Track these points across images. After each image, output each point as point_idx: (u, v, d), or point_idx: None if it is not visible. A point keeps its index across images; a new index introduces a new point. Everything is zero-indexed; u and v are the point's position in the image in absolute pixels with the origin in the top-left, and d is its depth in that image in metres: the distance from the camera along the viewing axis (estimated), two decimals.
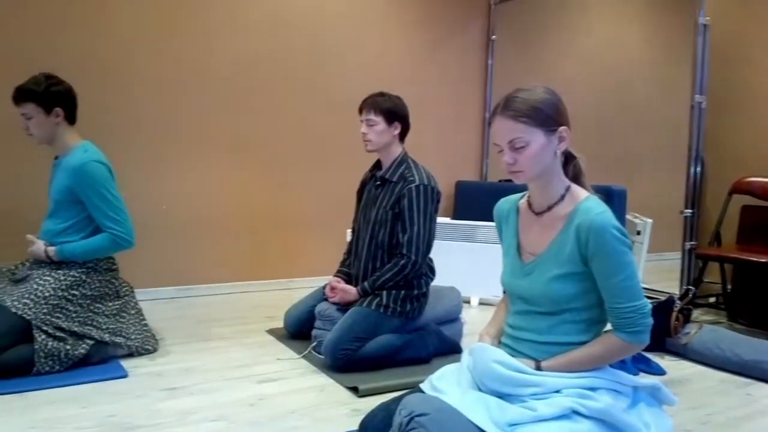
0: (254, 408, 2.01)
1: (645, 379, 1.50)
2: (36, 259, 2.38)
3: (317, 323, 2.55)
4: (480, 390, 1.44)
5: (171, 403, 2.02)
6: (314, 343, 2.51)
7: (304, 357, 2.48)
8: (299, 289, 3.60)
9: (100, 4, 3.12)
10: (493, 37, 4.52)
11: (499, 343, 1.57)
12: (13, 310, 2.16)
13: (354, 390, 2.15)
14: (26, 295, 2.21)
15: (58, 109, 2.34)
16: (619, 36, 5.16)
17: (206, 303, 3.36)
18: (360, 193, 2.71)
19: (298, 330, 2.67)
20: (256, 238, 3.68)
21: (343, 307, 2.48)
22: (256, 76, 3.59)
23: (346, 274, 2.64)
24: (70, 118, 2.41)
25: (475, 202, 4.12)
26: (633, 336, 1.39)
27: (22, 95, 2.30)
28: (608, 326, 1.45)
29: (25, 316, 2.16)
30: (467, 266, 3.53)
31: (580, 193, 1.47)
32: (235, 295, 3.56)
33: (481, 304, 3.56)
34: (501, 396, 1.41)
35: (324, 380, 2.26)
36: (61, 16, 3.03)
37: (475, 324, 2.87)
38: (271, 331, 2.83)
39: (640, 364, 2.45)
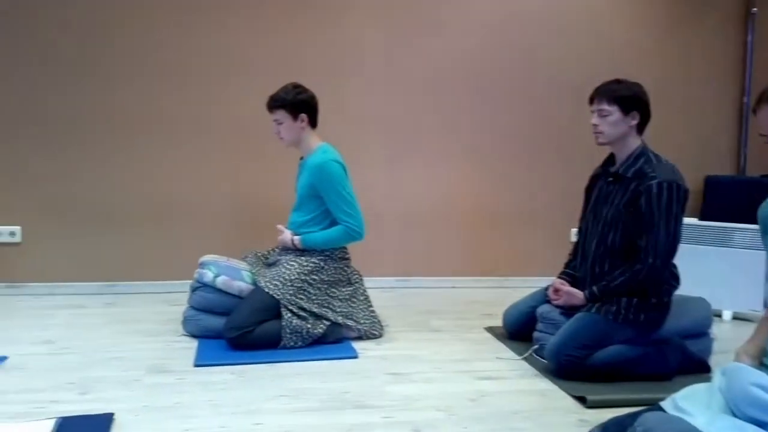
0: (476, 404, 2.00)
1: None
2: (284, 246, 2.70)
3: (539, 326, 2.45)
4: (734, 415, 1.24)
5: (397, 387, 2.12)
6: (536, 346, 2.41)
7: (525, 359, 2.40)
8: (516, 288, 3.51)
9: (336, 16, 3.41)
10: (754, 9, 3.87)
11: (760, 365, 1.34)
12: (266, 290, 2.48)
13: (581, 400, 2.01)
14: (276, 278, 2.51)
15: (303, 115, 2.61)
16: None
17: (423, 294, 3.47)
18: (589, 189, 2.52)
19: (518, 330, 2.60)
20: (473, 234, 3.69)
21: (568, 311, 2.34)
22: (494, 68, 3.60)
23: (571, 276, 2.48)
24: (313, 123, 2.67)
25: (729, 200, 3.58)
26: None
27: (274, 103, 2.60)
28: None
29: (275, 295, 2.46)
30: (719, 274, 3.09)
31: None
32: (450, 290, 3.62)
33: (735, 318, 3.09)
34: (759, 424, 1.20)
35: (546, 385, 2.16)
36: (306, 30, 3.39)
37: (727, 341, 2.48)
38: (490, 329, 2.81)
39: None
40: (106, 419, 1.79)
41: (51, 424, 1.71)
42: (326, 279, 2.57)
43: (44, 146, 3.16)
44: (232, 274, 2.59)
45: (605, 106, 2.26)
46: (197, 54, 3.26)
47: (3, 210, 3.16)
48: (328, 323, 2.50)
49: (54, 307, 3.00)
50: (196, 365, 2.27)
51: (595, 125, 2.30)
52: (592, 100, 2.33)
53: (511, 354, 2.48)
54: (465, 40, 3.57)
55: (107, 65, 3.18)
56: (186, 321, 2.60)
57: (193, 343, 2.50)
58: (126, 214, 3.28)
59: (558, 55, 3.68)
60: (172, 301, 3.15)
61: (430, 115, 3.58)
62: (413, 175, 3.59)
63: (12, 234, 3.18)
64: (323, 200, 2.58)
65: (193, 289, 2.61)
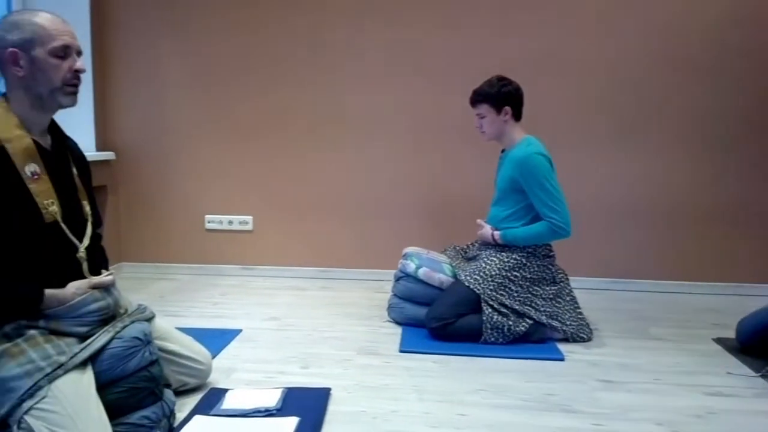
0: (703, 421, 1.78)
1: None
2: (483, 241, 2.68)
3: None
4: None
5: (609, 395, 1.98)
6: None
7: (763, 376, 2.08)
8: (753, 297, 3.07)
9: (534, 8, 3.29)
10: None
11: None
12: (466, 283, 2.49)
13: None
14: (476, 272, 2.51)
15: (507, 108, 2.56)
16: None
17: (640, 299, 3.18)
18: None
19: (754, 343, 2.28)
20: (696, 235, 3.29)
21: None
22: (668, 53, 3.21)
23: None
24: (517, 116, 2.61)
25: None
26: None
27: (477, 97, 2.60)
28: None
29: (475, 290, 2.46)
30: None
31: None
32: (673, 295, 3.26)
33: None
34: None
35: None
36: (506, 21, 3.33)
37: None
38: (719, 341, 2.48)
39: None
40: (325, 393, 1.95)
41: (279, 392, 1.92)
42: (528, 276, 2.50)
43: (272, 145, 3.56)
44: (433, 266, 2.66)
45: None
46: (401, 54, 3.39)
47: (239, 202, 3.63)
48: (530, 322, 2.43)
49: (279, 288, 3.36)
50: (401, 351, 2.37)
51: None
52: None
53: (745, 369, 2.17)
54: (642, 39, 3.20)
55: (336, 68, 3.46)
56: (391, 308, 2.73)
57: (398, 330, 2.62)
58: (340, 208, 3.55)
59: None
60: (378, 288, 3.34)
61: (637, 103, 3.28)
62: (626, 168, 3.32)
63: (245, 223, 3.64)
64: (526, 194, 2.52)
65: (397, 279, 2.73)
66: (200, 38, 3.50)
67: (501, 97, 2.54)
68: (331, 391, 1.97)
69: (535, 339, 2.44)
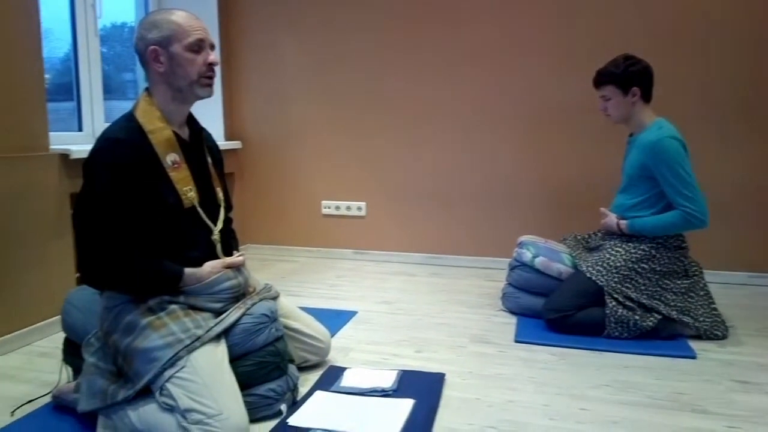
0: None
1: None
2: (607, 230, 2.54)
3: None
4: None
5: (745, 396, 1.82)
6: None
7: None
8: None
9: None
10: None
11: None
12: (587, 274, 2.37)
13: None
14: (599, 263, 2.39)
15: (634, 89, 2.39)
16: None
17: None
18: None
19: None
20: None
21: None
22: None
23: None
24: (646, 97, 2.43)
25: None
26: None
27: (602, 78, 2.44)
28: None
29: (597, 281, 2.34)
30: None
31: None
32: None
33: None
34: None
35: None
36: None
37: None
38: None
39: None
40: (439, 378, 1.96)
41: (395, 374, 1.95)
42: (658, 269, 2.34)
43: (386, 133, 3.60)
44: (551, 255, 2.56)
45: None
46: (519, 35, 3.28)
47: (354, 188, 3.71)
48: (659, 317, 2.28)
49: (390, 273, 3.42)
50: (517, 341, 2.31)
51: None
52: None
53: None
54: None
55: (450, 56, 3.44)
56: (505, 297, 2.68)
57: (512, 319, 2.56)
58: (450, 194, 3.53)
59: None
60: (489, 276, 3.29)
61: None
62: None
63: (359, 209, 3.73)
64: (656, 182, 2.35)
65: (512, 267, 2.67)
66: (317, 32, 3.61)
67: (628, 77, 2.38)
68: (445, 377, 1.97)
69: (664, 335, 2.28)
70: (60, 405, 1.76)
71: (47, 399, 1.81)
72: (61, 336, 1.93)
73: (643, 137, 2.40)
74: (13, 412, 1.75)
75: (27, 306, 2.32)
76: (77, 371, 1.78)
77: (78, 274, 2.46)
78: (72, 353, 1.81)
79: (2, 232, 2.21)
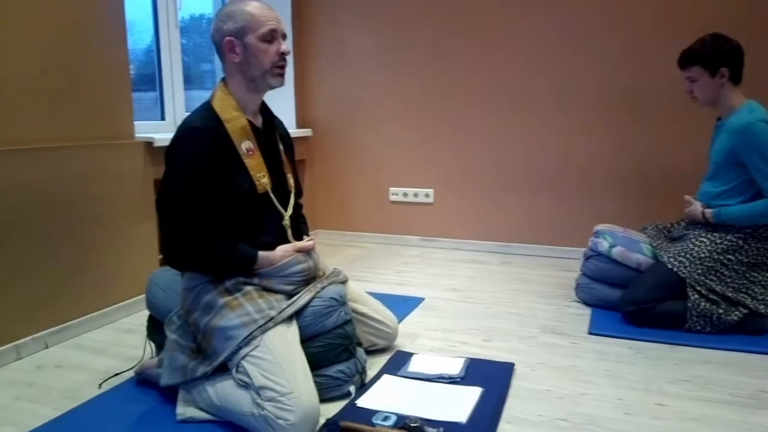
0: None
1: None
2: (691, 220, 2.41)
3: None
4: None
5: None
6: None
7: None
8: None
9: None
10: None
11: None
12: (669, 265, 2.26)
13: None
14: (682, 254, 2.27)
15: (723, 69, 2.25)
16: None
17: None
18: None
19: None
20: None
21: None
22: None
23: None
24: (735, 78, 2.28)
25: None
26: None
27: (687, 59, 2.31)
28: None
29: (680, 273, 2.23)
30: None
31: None
32: None
33: None
34: None
35: None
36: None
37: None
38: None
39: None
40: (509, 368, 1.93)
41: (462, 362, 1.94)
42: (746, 261, 2.20)
43: (453, 120, 3.56)
44: (630, 245, 2.46)
45: None
46: (595, 15, 3.15)
47: (422, 175, 3.70)
48: (745, 311, 2.14)
49: (458, 260, 3.39)
50: (591, 333, 2.24)
51: None
52: None
53: None
54: None
55: (520, 40, 3.36)
56: (579, 288, 2.60)
57: (586, 311, 2.49)
58: (522, 181, 3.45)
59: None
60: (561, 266, 3.20)
61: None
62: None
63: (427, 195, 3.72)
64: (746, 168, 2.20)
65: (587, 257, 2.58)
66: (386, 20, 3.60)
67: (716, 57, 2.24)
68: (515, 367, 1.94)
69: (750, 330, 2.15)
70: (143, 379, 1.86)
71: (131, 373, 1.93)
72: (145, 314, 2.05)
73: (731, 121, 2.25)
74: (100, 384, 1.88)
75: (114, 285, 2.47)
76: (160, 347, 1.88)
77: (161, 256, 2.60)
78: (155, 330, 1.92)
79: (91, 215, 2.36)
